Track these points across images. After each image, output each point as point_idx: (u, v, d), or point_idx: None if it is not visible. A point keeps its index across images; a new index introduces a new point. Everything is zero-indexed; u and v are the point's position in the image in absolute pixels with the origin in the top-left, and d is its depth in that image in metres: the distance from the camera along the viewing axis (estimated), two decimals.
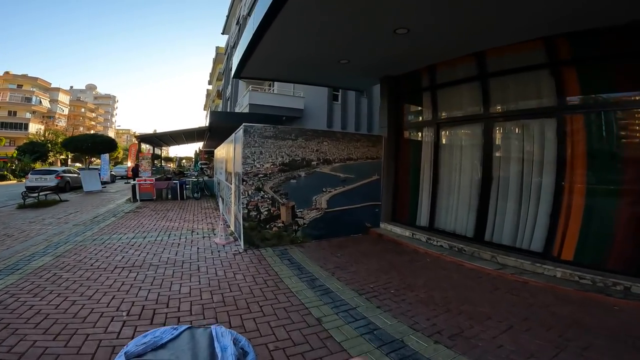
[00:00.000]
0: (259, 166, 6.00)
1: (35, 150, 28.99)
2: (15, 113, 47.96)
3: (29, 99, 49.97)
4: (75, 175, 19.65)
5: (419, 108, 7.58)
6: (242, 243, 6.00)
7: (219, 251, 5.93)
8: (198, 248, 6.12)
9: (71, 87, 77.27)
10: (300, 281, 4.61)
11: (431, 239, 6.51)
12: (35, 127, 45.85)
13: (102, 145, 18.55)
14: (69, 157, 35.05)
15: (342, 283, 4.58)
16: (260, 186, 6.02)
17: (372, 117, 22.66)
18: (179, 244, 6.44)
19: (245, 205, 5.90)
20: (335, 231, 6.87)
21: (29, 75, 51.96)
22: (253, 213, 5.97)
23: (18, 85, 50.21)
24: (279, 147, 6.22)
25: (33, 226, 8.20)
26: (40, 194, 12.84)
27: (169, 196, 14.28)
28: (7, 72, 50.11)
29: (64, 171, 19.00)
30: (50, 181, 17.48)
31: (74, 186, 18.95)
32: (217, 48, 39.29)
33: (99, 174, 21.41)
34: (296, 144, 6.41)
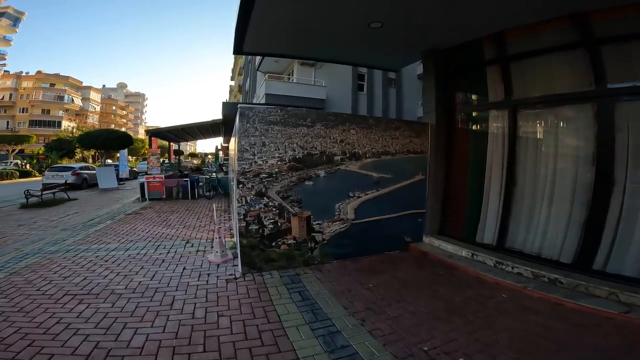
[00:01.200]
0: (261, 163, 4.49)
1: (62, 147, 29.87)
2: (48, 111, 50.66)
3: (61, 97, 52.54)
4: (93, 172, 19.49)
5: (481, 87, 5.69)
6: (239, 265, 4.57)
7: (208, 274, 4.53)
8: (184, 268, 4.76)
9: (103, 85, 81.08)
10: (314, 336, 3.04)
11: (502, 262, 4.68)
12: (67, 125, 48.11)
13: (116, 140, 18.14)
14: (97, 153, 35.95)
15: (378, 342, 2.95)
16: (263, 190, 4.53)
17: (402, 109, 20.60)
18: (163, 260, 5.14)
19: (242, 217, 4.44)
20: (364, 248, 5.25)
21: (60, 74, 54.70)
22: (254, 227, 4.50)
23: (50, 84, 52.96)
24: (289, 136, 4.68)
25: (18, 230, 7.37)
26: (50, 192, 12.36)
27: (180, 195, 13.33)
28: (39, 72, 52.89)
29: (80, 168, 18.85)
30: (67, 178, 17.33)
31: (91, 183, 18.77)
32: None
33: (117, 170, 21.26)
34: (313, 133, 4.85)
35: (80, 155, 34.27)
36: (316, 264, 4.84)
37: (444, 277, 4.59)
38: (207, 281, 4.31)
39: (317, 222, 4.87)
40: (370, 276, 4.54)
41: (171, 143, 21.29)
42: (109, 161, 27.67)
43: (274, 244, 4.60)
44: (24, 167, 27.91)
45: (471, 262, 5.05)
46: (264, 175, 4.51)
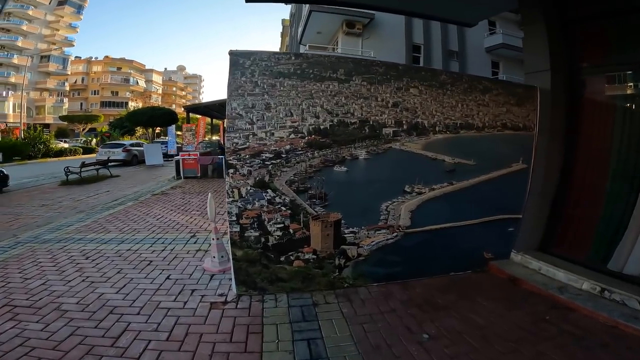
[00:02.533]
0: (264, 136, 2.89)
1: (124, 126, 31.99)
2: (117, 93, 55.37)
3: (127, 80, 56.91)
4: (142, 148, 20.11)
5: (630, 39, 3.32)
6: (233, 284, 3.17)
7: (193, 291, 3.20)
8: (168, 277, 3.50)
9: (165, 68, 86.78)
10: None
11: None
12: (132, 105, 52.37)
13: (160, 117, 18.27)
14: (156, 131, 38.10)
15: None
16: (267, 179, 2.96)
17: None
18: (150, 262, 3.98)
19: (235, 218, 2.98)
20: (420, 267, 3.46)
21: (125, 58, 59.15)
22: (252, 233, 3.01)
23: (117, 67, 57.56)
24: (310, 94, 2.96)
25: (37, 211, 6.99)
26: (91, 168, 12.51)
27: (215, 174, 12.65)
28: (107, 56, 57.53)
29: (131, 145, 19.53)
30: (118, 154, 18.00)
31: (140, 160, 19.37)
32: (283, 20, 37.46)
33: (165, 147, 21.78)
34: (348, 90, 3.07)
35: (142, 132, 36.68)
36: (346, 287, 3.23)
37: (557, 327, 2.66)
38: (184, 304, 2.98)
39: (350, 229, 3.20)
40: (428, 316, 2.80)
41: (222, 121, 21.05)
42: (164, 138, 28.90)
43: (283, 258, 3.09)
44: (89, 143, 30.55)
45: (600, 301, 3.00)
46: (267, 155, 2.91)
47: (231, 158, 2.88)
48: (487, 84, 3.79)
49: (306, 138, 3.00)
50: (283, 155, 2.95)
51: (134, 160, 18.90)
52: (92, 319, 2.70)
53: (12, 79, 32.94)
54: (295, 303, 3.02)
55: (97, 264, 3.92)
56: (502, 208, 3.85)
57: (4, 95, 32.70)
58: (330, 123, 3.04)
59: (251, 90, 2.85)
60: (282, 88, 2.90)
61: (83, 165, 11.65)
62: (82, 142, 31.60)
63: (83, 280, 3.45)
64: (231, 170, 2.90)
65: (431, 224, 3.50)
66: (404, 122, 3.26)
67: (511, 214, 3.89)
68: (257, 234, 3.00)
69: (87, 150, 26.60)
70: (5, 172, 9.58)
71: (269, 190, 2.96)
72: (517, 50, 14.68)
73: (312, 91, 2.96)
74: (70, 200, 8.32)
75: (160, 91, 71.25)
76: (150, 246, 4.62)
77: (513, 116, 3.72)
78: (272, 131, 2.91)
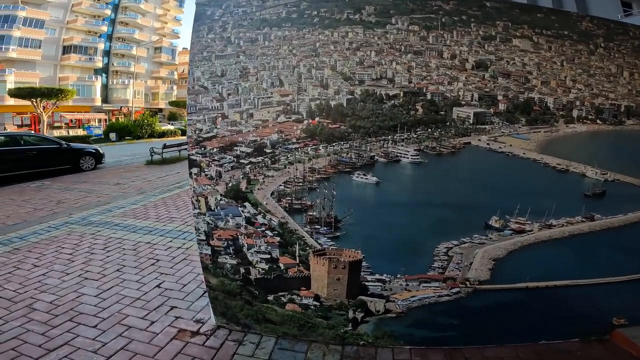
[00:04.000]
0: (237, 118, 1.78)
1: None
2: None
3: None
4: None
5: None
6: (211, 314, 2.37)
7: (172, 307, 2.49)
8: (159, 285, 2.90)
9: None
10: None
11: None
12: None
13: None
14: None
15: None
16: (244, 186, 1.88)
17: None
18: (157, 261, 3.44)
19: (204, 237, 2.08)
20: (487, 332, 2.03)
21: None
22: (228, 260, 2.05)
23: None
24: (311, 50, 1.68)
25: (107, 189, 7.40)
26: (173, 149, 13.16)
27: None
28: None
29: None
30: None
31: None
32: None
33: None
34: (382, 41, 1.65)
35: None
36: (361, 345, 2.06)
37: None
38: (151, 324, 2.32)
39: (377, 276, 1.96)
40: None
41: None
42: None
43: (271, 297, 2.11)
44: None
45: None
46: (243, 149, 1.82)
47: (194, 152, 1.91)
48: None
49: (305, 122, 1.75)
50: (267, 150, 1.80)
51: None
52: (47, 324, 2.31)
53: (132, 69, 38.74)
54: (281, 356, 2.06)
55: (108, 257, 3.67)
56: None
57: (125, 83, 38.99)
58: (349, 96, 1.71)
59: (221, 51, 1.76)
60: (267, 43, 1.71)
61: (165, 146, 12.59)
62: (183, 125, 36.12)
63: (79, 276, 3.16)
64: (194, 170, 1.94)
65: (532, 279, 1.94)
66: (499, 97, 1.68)
67: None
68: (233, 262, 2.05)
69: (185, 132, 30.15)
70: (101, 151, 10.22)
71: (247, 205, 1.91)
72: None
73: (317, 44, 1.67)
74: (142, 180, 8.81)
75: None
76: (171, 241, 4.24)
77: None
78: (251, 111, 1.78)
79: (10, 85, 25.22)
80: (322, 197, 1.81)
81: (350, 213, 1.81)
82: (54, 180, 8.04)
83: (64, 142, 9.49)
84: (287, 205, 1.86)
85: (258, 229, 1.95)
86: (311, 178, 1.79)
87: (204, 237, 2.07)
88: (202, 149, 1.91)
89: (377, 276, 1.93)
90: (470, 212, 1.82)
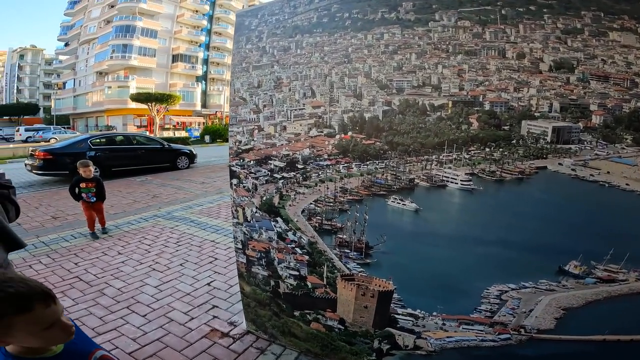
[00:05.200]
0: (271, 131, 1.70)
1: None
2: None
3: None
4: None
5: None
6: (243, 319, 2.38)
7: (213, 306, 2.63)
8: (209, 283, 3.10)
9: None
10: None
11: None
12: None
13: None
14: None
15: None
16: (277, 201, 1.80)
17: None
18: (215, 259, 3.59)
19: (241, 246, 2.07)
20: None
21: None
22: (260, 271, 2.02)
23: None
24: (343, 56, 1.45)
25: (194, 187, 8.07)
26: None
27: None
28: None
29: None
30: None
31: None
32: None
33: None
34: (425, 42, 1.34)
35: None
36: None
37: None
38: (189, 321, 2.47)
39: (409, 310, 1.66)
40: None
41: None
42: None
43: (297, 313, 2.00)
44: None
45: None
46: (276, 163, 1.73)
47: (234, 163, 1.91)
48: None
49: (337, 137, 1.57)
50: (299, 166, 1.68)
51: None
52: (107, 309, 2.60)
53: (225, 76, 42.28)
54: None
55: (177, 250, 3.95)
56: None
57: (220, 89, 42.85)
58: (386, 107, 1.45)
59: (257, 61, 1.70)
60: (299, 51, 1.57)
61: None
62: None
63: (149, 266, 3.44)
64: (234, 181, 1.94)
65: (613, 332, 1.41)
66: (591, 108, 1.22)
67: None
68: (265, 273, 2.01)
69: None
70: (194, 152, 11.11)
71: (279, 220, 1.83)
72: None
73: (349, 50, 1.46)
74: (223, 180, 9.39)
75: None
76: (232, 241, 4.48)
77: None
78: (284, 123, 1.69)
79: (133, 90, 30.48)
80: (353, 220, 1.61)
81: (383, 241, 1.57)
82: (155, 176, 9.33)
83: (165, 143, 10.85)
84: (317, 224, 1.72)
85: (288, 245, 1.86)
86: (342, 199, 1.61)
87: (241, 246, 2.07)
88: (241, 160, 1.90)
89: (410, 310, 1.65)
90: (537, 254, 1.39)
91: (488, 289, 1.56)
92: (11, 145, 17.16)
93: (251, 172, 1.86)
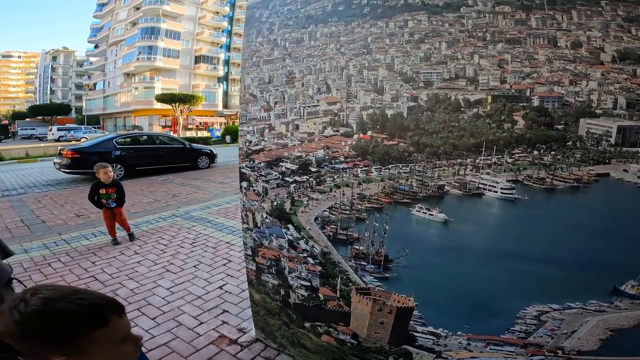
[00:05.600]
0: (283, 130, 1.54)
1: None
2: None
3: None
4: None
5: None
6: (252, 326, 2.25)
7: (224, 311, 2.52)
8: (221, 286, 2.99)
9: None
10: None
11: None
12: None
13: None
14: None
15: None
16: (288, 207, 1.63)
17: None
18: (229, 261, 3.45)
19: (250, 253, 1.93)
20: None
21: None
22: (270, 279, 1.87)
23: None
24: (362, 46, 1.27)
25: (213, 188, 7.89)
26: None
27: None
28: None
29: None
30: None
31: None
32: None
33: None
34: (456, 28, 1.13)
35: None
36: None
37: None
38: (198, 326, 2.38)
39: (430, 329, 1.46)
40: None
41: None
42: None
43: (307, 324, 1.84)
44: None
45: None
46: (288, 165, 1.57)
47: (243, 165, 1.77)
48: None
49: (354, 136, 1.39)
50: (312, 169, 1.51)
51: None
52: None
53: None
54: None
55: (192, 251, 3.83)
56: None
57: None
58: (411, 103, 1.26)
59: (268, 55, 1.55)
60: (312, 43, 1.41)
61: None
62: None
63: (163, 267, 3.36)
64: (244, 184, 1.81)
65: None
66: None
67: None
68: (275, 282, 1.86)
69: None
70: (214, 152, 11.17)
71: (290, 227, 1.67)
72: None
73: (369, 39, 1.28)
74: None
75: None
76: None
77: None
78: (297, 121, 1.53)
79: (158, 91, 31.43)
80: (371, 230, 1.43)
81: (405, 254, 1.38)
82: (176, 175, 9.45)
83: (187, 143, 10.94)
84: (331, 234, 1.55)
85: (300, 254, 1.70)
86: (360, 206, 1.43)
87: (250, 253, 1.94)
88: (251, 162, 1.76)
89: (431, 329, 1.45)
90: (589, 272, 1.16)
91: (525, 309, 1.34)
92: (42, 145, 18.03)
93: (261, 175, 1.71)
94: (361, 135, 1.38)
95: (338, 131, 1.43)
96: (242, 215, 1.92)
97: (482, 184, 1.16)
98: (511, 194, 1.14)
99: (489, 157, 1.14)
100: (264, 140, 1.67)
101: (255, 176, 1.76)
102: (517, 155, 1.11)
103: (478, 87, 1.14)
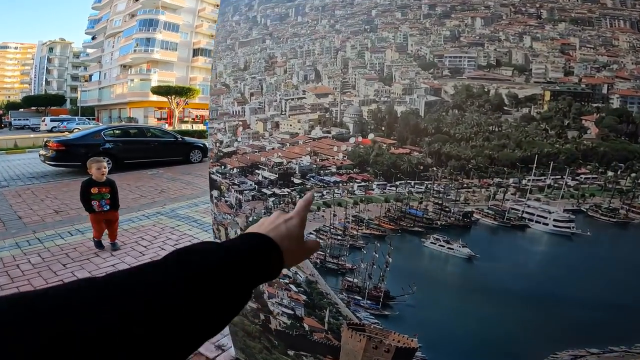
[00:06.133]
0: (260, 129, 1.19)
1: None
2: None
3: None
4: None
5: None
6: (232, 345, 1.93)
7: None
8: None
9: None
10: None
11: None
12: None
13: None
14: None
15: None
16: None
17: None
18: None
19: None
20: None
21: None
22: (250, 305, 1.59)
23: None
24: (364, 22, 0.91)
25: (204, 183, 7.86)
26: None
27: None
28: None
29: None
30: None
31: None
32: None
33: None
34: (492, 0, 0.86)
35: None
36: None
37: None
38: None
39: None
40: None
41: None
42: None
43: (291, 352, 1.52)
44: None
45: None
46: (266, 174, 1.22)
47: (214, 170, 1.42)
48: None
49: (351, 140, 1.03)
50: (296, 180, 1.16)
51: None
52: None
53: None
54: None
55: (165, 252, 3.59)
56: None
57: None
58: (432, 97, 0.89)
59: (245, 36, 1.19)
60: (300, 19, 1.07)
61: None
62: None
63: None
64: (214, 193, 1.46)
65: None
66: None
67: None
68: (254, 305, 1.54)
69: None
70: (207, 145, 11.71)
71: None
72: None
73: (373, 12, 0.94)
74: None
75: None
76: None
77: None
78: (276, 118, 1.17)
79: (154, 83, 30.81)
80: (369, 261, 1.09)
81: (411, 292, 1.05)
82: (167, 169, 9.03)
83: (179, 136, 10.48)
84: (317, 261, 1.21)
85: (281, 280, 1.37)
86: (355, 232, 1.09)
87: None
88: (222, 167, 1.40)
89: None
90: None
91: (557, 354, 1.02)
92: (32, 136, 17.45)
93: (234, 184, 1.36)
94: (360, 138, 1.02)
95: (329, 132, 1.07)
96: (213, 229, 1.57)
97: (528, 212, 0.82)
98: (569, 227, 0.80)
99: (542, 177, 0.79)
100: (236, 140, 1.32)
101: (227, 184, 1.40)
102: (582, 176, 0.77)
103: (530, 79, 0.79)
